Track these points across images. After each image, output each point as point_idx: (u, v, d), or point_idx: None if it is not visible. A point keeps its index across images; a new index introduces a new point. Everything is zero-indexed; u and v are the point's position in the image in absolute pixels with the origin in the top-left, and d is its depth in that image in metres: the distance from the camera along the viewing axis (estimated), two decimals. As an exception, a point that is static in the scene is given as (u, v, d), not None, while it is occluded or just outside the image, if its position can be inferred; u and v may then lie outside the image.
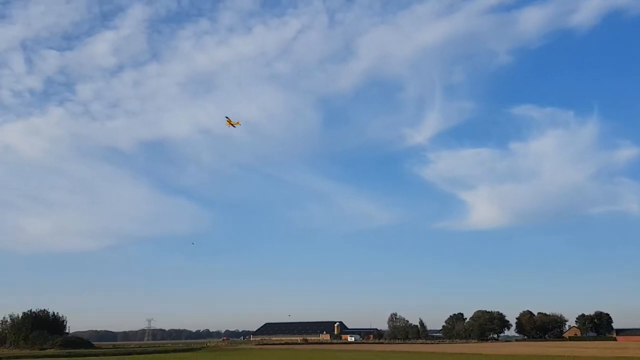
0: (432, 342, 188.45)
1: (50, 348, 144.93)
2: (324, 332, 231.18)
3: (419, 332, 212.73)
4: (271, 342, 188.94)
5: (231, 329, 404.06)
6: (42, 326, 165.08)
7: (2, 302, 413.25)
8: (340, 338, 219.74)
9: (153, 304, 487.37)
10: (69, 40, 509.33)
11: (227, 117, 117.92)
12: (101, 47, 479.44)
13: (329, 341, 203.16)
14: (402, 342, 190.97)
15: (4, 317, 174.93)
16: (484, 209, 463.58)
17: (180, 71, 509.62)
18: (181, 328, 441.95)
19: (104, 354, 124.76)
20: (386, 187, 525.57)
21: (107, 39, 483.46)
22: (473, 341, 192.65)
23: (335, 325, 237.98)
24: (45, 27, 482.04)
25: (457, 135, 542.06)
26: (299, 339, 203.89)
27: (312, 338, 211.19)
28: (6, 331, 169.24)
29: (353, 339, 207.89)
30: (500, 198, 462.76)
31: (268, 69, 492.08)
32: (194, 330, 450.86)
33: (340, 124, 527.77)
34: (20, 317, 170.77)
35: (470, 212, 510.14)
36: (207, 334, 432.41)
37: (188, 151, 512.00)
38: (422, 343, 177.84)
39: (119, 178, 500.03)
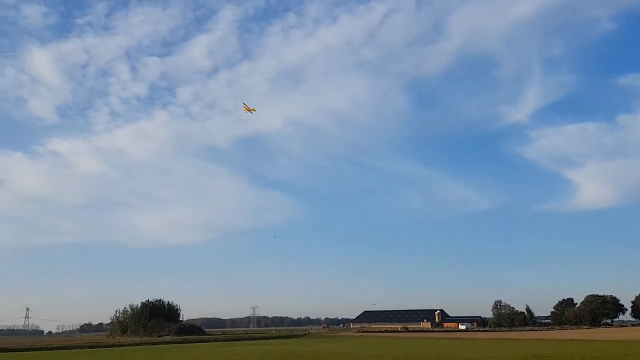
0: (541, 328, 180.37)
1: (167, 335, 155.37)
2: (425, 320, 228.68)
3: (525, 319, 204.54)
4: (371, 330, 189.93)
5: (330, 317, 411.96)
6: (158, 314, 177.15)
7: (121, 293, 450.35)
8: (442, 326, 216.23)
9: (257, 292, 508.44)
10: (167, 46, 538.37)
11: (244, 104, 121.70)
12: (197, 50, 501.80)
13: (431, 329, 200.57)
14: (508, 329, 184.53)
15: (124, 308, 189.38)
16: (592, 187, 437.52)
17: (269, 67, 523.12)
18: (283, 315, 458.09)
19: (216, 340, 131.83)
20: (484, 169, 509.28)
21: (202, 42, 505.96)
22: (584, 327, 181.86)
23: (436, 313, 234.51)
24: (145, 35, 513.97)
25: (560, 111, 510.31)
26: (399, 327, 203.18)
27: (413, 326, 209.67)
28: (127, 320, 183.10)
29: (464, 326, 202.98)
30: (609, 175, 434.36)
31: (354, 57, 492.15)
32: (295, 318, 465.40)
33: (432, 106, 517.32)
34: (139, 307, 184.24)
35: (577, 192, 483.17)
36: (307, 321, 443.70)
37: (280, 145, 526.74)
38: (529, 330, 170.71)
39: (219, 174, 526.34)
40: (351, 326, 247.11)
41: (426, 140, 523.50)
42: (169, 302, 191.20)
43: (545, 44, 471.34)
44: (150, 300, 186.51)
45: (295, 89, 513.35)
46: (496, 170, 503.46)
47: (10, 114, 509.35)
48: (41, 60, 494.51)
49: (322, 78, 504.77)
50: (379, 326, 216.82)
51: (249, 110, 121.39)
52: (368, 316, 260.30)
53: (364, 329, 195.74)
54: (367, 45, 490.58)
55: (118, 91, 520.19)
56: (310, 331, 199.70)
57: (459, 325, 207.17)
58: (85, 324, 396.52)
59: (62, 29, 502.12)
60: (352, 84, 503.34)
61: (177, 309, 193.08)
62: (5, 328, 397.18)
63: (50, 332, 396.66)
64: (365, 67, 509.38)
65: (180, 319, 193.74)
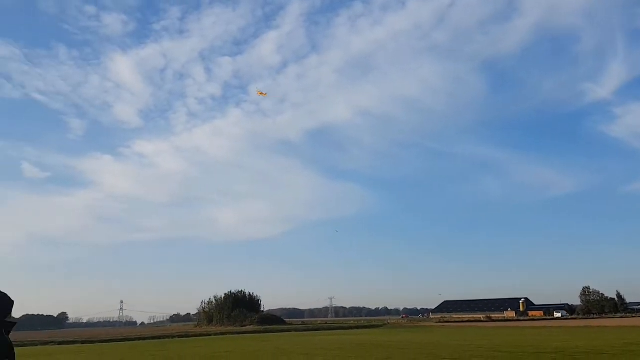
0: (634, 315, 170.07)
1: (250, 325, 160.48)
2: (509, 309, 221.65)
3: (616, 306, 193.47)
4: (452, 320, 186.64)
5: (409, 307, 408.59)
6: (241, 305, 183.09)
7: (206, 285, 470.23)
8: (527, 315, 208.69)
9: (334, 283, 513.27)
10: (238, 45, 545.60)
11: (256, 88, 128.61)
12: (267, 47, 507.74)
13: (515, 318, 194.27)
14: (597, 316, 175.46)
15: (209, 299, 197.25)
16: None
17: (337, 58, 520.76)
18: (361, 306, 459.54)
19: (296, 330, 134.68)
20: (567, 150, 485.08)
21: (271, 38, 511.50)
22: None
23: (521, 301, 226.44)
24: (217, 36, 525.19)
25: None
26: (481, 316, 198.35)
27: (496, 316, 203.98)
28: (212, 311, 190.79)
29: (559, 314, 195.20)
30: None
31: (425, 41, 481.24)
32: (372, 308, 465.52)
33: (509, 87, 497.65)
34: (222, 298, 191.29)
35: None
36: (385, 311, 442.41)
37: (350, 135, 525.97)
38: (621, 317, 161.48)
39: (291, 168, 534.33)
40: (431, 316, 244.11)
41: (503, 122, 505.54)
42: (250, 293, 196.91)
43: (629, 15, 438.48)
44: (233, 291, 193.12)
45: (364, 78, 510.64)
46: (580, 151, 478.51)
47: (98, 119, 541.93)
48: (123, 67, 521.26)
49: (391, 65, 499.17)
50: (460, 316, 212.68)
51: (261, 94, 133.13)
52: (449, 306, 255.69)
53: (445, 319, 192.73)
54: (437, 28, 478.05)
55: (194, 92, 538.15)
56: (388, 321, 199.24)
57: (554, 313, 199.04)
58: (174, 315, 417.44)
59: (141, 35, 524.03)
60: (422, 69, 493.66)
61: (258, 300, 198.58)
62: (102, 320, 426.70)
63: (142, 323, 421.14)
64: (436, 51, 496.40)
65: (261, 309, 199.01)
